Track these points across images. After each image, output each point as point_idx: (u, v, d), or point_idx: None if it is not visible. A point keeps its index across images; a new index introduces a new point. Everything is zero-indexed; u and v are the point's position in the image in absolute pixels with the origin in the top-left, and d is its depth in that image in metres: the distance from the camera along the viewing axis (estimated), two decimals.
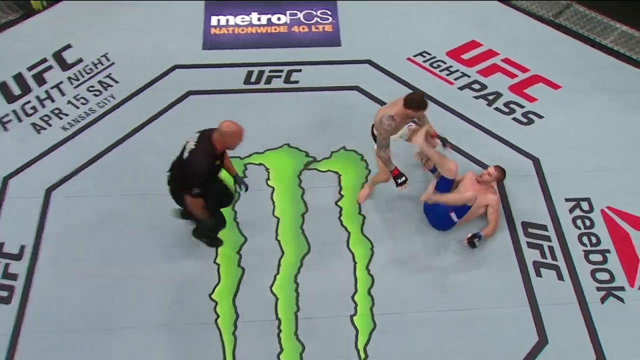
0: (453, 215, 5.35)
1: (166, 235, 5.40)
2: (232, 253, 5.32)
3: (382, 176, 5.47)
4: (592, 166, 5.97)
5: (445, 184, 5.42)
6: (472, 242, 5.28)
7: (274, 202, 5.66)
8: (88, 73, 6.73)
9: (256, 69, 6.78)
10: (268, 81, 6.68)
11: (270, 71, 6.78)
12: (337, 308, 5.03)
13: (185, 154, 4.52)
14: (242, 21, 7.38)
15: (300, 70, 6.81)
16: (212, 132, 4.53)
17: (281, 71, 6.78)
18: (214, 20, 7.38)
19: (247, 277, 5.20)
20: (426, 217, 5.50)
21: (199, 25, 7.27)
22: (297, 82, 6.70)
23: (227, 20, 7.38)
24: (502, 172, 5.58)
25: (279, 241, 5.40)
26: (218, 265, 5.26)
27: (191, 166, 4.48)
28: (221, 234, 5.32)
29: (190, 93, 6.54)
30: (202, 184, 4.51)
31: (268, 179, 5.83)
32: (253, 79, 6.69)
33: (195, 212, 4.71)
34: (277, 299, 5.07)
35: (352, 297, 5.08)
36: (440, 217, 5.39)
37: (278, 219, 5.54)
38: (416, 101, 4.94)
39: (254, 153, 6.01)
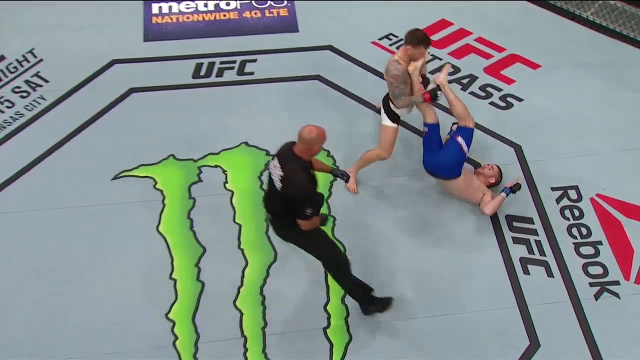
0: (460, 141, 5.34)
1: (114, 251, 5.30)
2: (190, 266, 5.26)
3: (375, 152, 5.51)
4: (578, 150, 5.99)
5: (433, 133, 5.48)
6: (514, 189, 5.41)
7: (234, 207, 5.61)
8: (12, 72, 6.57)
9: (206, 61, 6.75)
10: (219, 74, 6.65)
11: (221, 63, 6.75)
12: (308, 320, 4.98)
13: (278, 184, 4.37)
14: (187, 8, 7.34)
15: (255, 61, 6.80)
16: (292, 146, 4.40)
17: (234, 62, 6.75)
18: (155, 8, 7.32)
19: (207, 292, 5.13)
20: (429, 165, 5.47)
21: (138, 15, 7.20)
22: (252, 73, 6.68)
23: (170, 8, 7.33)
24: (500, 174, 5.65)
25: (241, 250, 5.35)
26: (174, 280, 5.19)
27: (294, 190, 4.32)
28: (177, 253, 5.28)
29: (132, 90, 6.47)
30: (312, 201, 4.40)
31: (226, 182, 5.79)
32: (203, 72, 6.65)
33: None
34: (241, 314, 5.01)
35: (325, 307, 5.03)
36: (449, 152, 5.36)
37: (239, 225, 5.50)
38: (416, 36, 5.04)
39: (208, 154, 5.97)
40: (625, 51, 6.95)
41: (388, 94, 5.31)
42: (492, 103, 6.41)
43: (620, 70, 6.73)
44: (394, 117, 5.35)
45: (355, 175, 5.71)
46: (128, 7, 7.18)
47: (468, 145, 5.42)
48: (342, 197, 5.69)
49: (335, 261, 4.76)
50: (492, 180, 5.63)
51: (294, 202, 4.32)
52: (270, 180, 4.44)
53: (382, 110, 5.39)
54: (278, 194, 4.38)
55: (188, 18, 7.25)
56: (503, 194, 5.44)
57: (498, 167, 5.69)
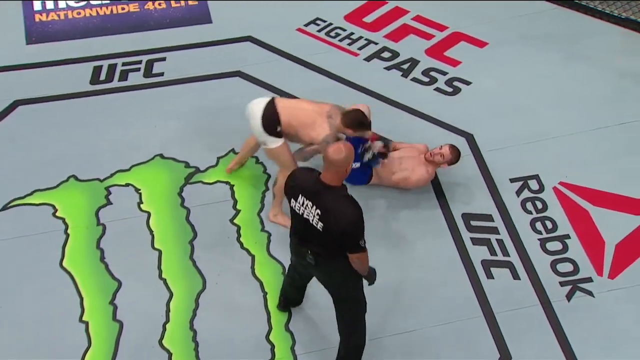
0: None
1: (8, 295, 5.19)
2: (103, 304, 5.17)
3: (283, 176, 5.36)
4: (535, 135, 6.15)
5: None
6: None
7: (151, 231, 5.56)
8: None
9: (105, 63, 6.70)
10: (123, 77, 6.60)
11: (124, 64, 6.71)
12: (249, 353, 4.95)
13: (317, 225, 4.20)
14: (76, 2, 7.28)
15: (164, 59, 6.77)
16: (321, 175, 4.23)
17: (139, 62, 6.72)
18: (37, 4, 7.24)
19: (127, 333, 5.03)
20: None
21: (17, 13, 7.10)
22: (161, 74, 6.66)
23: (56, 3, 7.22)
24: (457, 155, 5.68)
25: (164, 280, 5.30)
26: (86, 323, 5.08)
27: (341, 225, 4.15)
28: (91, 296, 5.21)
29: (18, 103, 6.39)
30: (363, 231, 4.24)
31: (140, 202, 5.74)
32: (103, 77, 6.60)
33: (365, 268, 4.39)
34: (170, 354, 4.94)
35: (267, 337, 5.02)
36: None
37: (159, 251, 5.46)
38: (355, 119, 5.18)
39: (116, 172, 5.92)
40: (576, 20, 7.19)
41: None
42: (437, 89, 6.52)
43: (572, 42, 6.97)
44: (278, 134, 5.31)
45: (280, 209, 5.59)
46: (3, 5, 7.01)
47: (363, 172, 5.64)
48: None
49: (363, 309, 4.67)
50: (446, 166, 5.67)
51: (343, 237, 4.19)
52: (303, 220, 4.27)
53: (263, 134, 5.29)
54: (318, 234, 4.23)
55: (79, 14, 7.16)
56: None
57: (450, 147, 5.64)
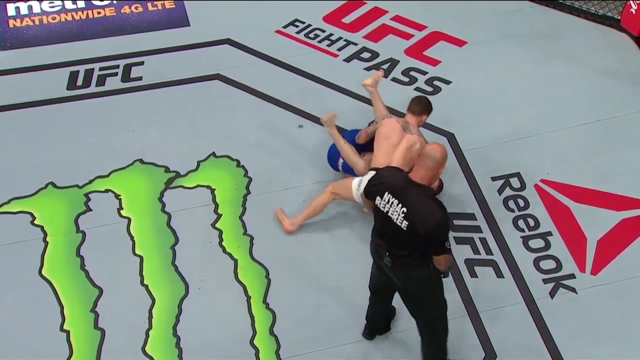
0: (340, 163, 5.68)
1: None
2: (84, 312, 5.15)
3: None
4: (516, 133, 6.19)
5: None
6: None
7: (132, 237, 5.54)
8: None
9: (82, 68, 6.67)
10: (101, 82, 6.58)
11: (101, 69, 6.68)
12: (233, 358, 4.94)
13: (402, 223, 4.16)
14: (52, 6, 7.23)
15: (141, 63, 6.76)
16: (410, 174, 4.24)
17: (116, 67, 6.69)
18: (10, 9, 7.19)
19: (109, 341, 5.01)
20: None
21: None
22: (139, 78, 6.64)
23: (30, 8, 7.19)
24: (440, 187, 5.72)
25: (146, 286, 5.28)
26: (67, 332, 5.05)
27: (429, 225, 4.11)
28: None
29: None
30: (448, 233, 4.24)
31: (120, 208, 5.71)
32: (80, 82, 6.58)
33: (447, 267, 4.34)
34: None
35: (251, 342, 5.01)
36: (332, 154, 5.76)
37: (141, 257, 5.44)
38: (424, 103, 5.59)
39: (96, 178, 5.89)
40: (554, 18, 7.23)
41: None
42: (417, 89, 6.53)
43: (551, 40, 7.01)
44: None
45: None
46: None
47: (343, 168, 5.71)
48: (257, 213, 5.68)
49: (444, 320, 4.62)
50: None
51: (428, 238, 4.16)
52: (386, 219, 4.24)
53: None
54: (402, 233, 4.19)
55: (54, 18, 7.12)
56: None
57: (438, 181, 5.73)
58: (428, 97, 6.39)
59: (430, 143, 4.26)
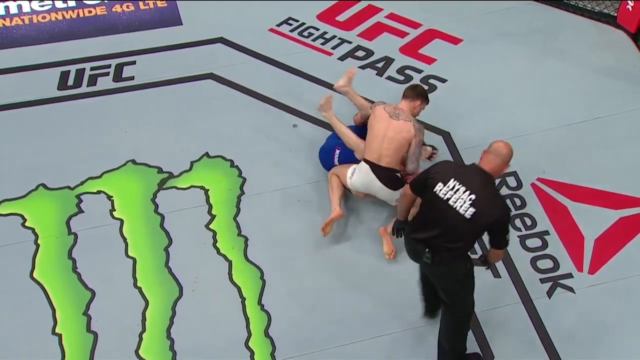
0: (337, 155, 5.67)
1: None
2: (77, 315, 5.15)
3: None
4: (512, 131, 6.19)
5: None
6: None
7: (125, 239, 5.54)
8: None
9: (73, 68, 6.66)
10: (92, 82, 6.58)
11: (92, 68, 6.68)
12: None
13: (468, 211, 4.17)
14: (42, 5, 7.23)
15: (133, 63, 6.76)
16: (479, 163, 4.30)
17: (108, 67, 6.70)
18: (0, 8, 7.16)
19: (102, 345, 5.02)
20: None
21: None
22: (131, 78, 6.64)
23: (20, 7, 7.18)
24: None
25: (139, 288, 5.28)
26: (59, 336, 5.05)
27: (497, 214, 4.20)
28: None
29: None
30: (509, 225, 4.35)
31: (113, 209, 5.71)
32: (71, 82, 6.57)
33: (498, 260, 4.56)
34: None
35: (246, 344, 5.02)
36: (324, 152, 5.78)
37: (134, 259, 5.44)
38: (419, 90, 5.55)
39: (87, 179, 5.89)
40: (550, 15, 7.24)
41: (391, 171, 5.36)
42: None
43: (547, 38, 7.02)
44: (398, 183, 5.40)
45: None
46: None
47: (340, 160, 5.68)
48: (252, 214, 5.68)
49: (471, 314, 4.69)
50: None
51: (494, 227, 4.22)
52: (445, 207, 4.22)
53: (395, 193, 5.34)
54: (461, 222, 4.20)
55: (45, 18, 7.12)
56: None
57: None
58: None
59: (497, 141, 4.35)
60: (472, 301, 4.63)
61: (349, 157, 5.62)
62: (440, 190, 4.24)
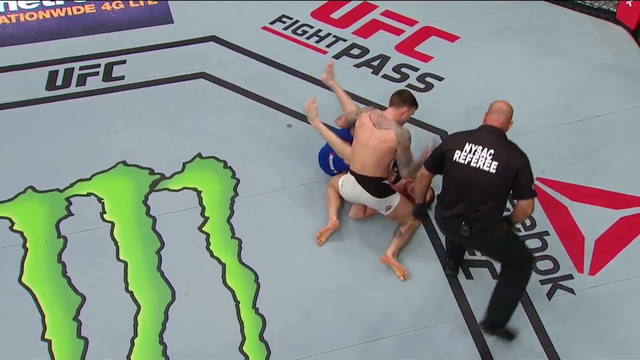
0: (331, 159, 5.72)
1: None
2: (67, 321, 5.14)
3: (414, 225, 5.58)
4: (510, 130, 6.15)
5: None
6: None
7: (116, 242, 5.54)
8: None
9: (61, 68, 6.65)
10: (81, 82, 6.58)
11: (81, 68, 6.68)
12: None
13: (490, 163, 4.47)
14: (29, 4, 7.23)
15: (124, 62, 6.76)
16: (488, 121, 4.61)
17: (97, 66, 6.70)
18: None
19: (92, 350, 5.01)
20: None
21: None
22: (121, 77, 6.65)
23: (7, 5, 7.19)
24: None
25: (131, 292, 5.28)
26: (48, 342, 5.03)
27: (519, 161, 4.48)
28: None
29: None
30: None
31: (103, 212, 5.71)
32: (59, 82, 6.57)
33: (527, 217, 4.71)
34: None
35: (241, 348, 5.02)
36: (323, 153, 5.82)
37: (125, 262, 5.43)
38: (407, 96, 5.43)
39: (77, 181, 5.88)
40: (548, 11, 7.26)
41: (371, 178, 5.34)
42: (409, 85, 6.53)
43: (545, 34, 7.04)
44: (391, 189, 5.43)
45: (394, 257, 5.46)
46: None
47: (335, 166, 5.76)
48: (246, 215, 5.68)
49: (533, 260, 4.86)
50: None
51: (519, 175, 4.44)
52: (469, 170, 4.49)
53: (382, 201, 5.38)
54: (489, 178, 4.45)
55: (32, 16, 7.11)
56: None
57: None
58: (420, 94, 6.47)
59: (496, 102, 4.70)
60: (528, 252, 4.85)
61: (343, 162, 5.63)
62: (459, 156, 4.53)
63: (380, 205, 5.39)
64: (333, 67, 5.93)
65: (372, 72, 6.66)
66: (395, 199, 5.38)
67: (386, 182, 5.39)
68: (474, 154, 4.50)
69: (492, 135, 4.54)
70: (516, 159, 4.48)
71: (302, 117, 6.18)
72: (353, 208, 5.62)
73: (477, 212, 4.53)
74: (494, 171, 4.44)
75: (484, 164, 4.46)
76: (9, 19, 7.06)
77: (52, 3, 7.21)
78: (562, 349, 4.99)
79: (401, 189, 5.60)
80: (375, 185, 5.33)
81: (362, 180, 5.33)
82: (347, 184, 5.41)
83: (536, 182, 5.79)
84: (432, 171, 4.76)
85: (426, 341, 5.02)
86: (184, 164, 5.97)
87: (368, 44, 6.92)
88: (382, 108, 5.67)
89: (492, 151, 4.46)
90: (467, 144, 4.52)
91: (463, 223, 4.58)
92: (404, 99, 5.36)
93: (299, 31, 7.01)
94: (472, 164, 4.48)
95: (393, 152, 5.26)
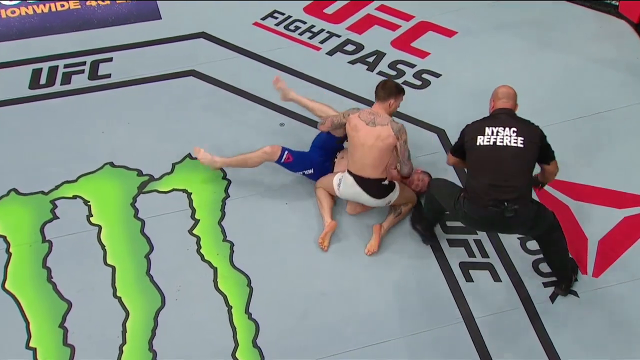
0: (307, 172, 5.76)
1: None
2: (53, 328, 5.12)
3: (408, 208, 5.65)
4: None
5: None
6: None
7: (103, 246, 5.53)
8: None
9: (45, 66, 6.67)
10: (66, 80, 6.60)
11: (66, 66, 6.70)
12: None
13: (516, 139, 4.77)
14: (11, 0, 7.23)
15: (110, 60, 6.78)
16: (503, 106, 4.97)
17: (83, 64, 6.71)
18: None
19: (79, 358, 4.99)
20: None
21: None
22: (108, 76, 6.67)
23: None
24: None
25: (119, 298, 5.27)
26: (33, 350, 5.02)
27: (536, 128, 4.88)
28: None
29: None
30: None
31: (90, 215, 5.70)
32: (43, 81, 6.59)
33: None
34: None
35: (233, 355, 5.01)
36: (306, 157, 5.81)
37: (113, 267, 5.43)
38: (393, 86, 5.49)
39: (63, 183, 5.88)
40: (549, 5, 7.29)
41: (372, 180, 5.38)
42: (405, 82, 6.52)
43: (545, 28, 7.07)
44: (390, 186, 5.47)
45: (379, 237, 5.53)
46: None
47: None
48: (237, 218, 5.68)
49: (559, 228, 5.10)
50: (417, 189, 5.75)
51: (543, 143, 4.85)
52: (496, 150, 4.77)
53: (383, 200, 5.44)
54: (519, 153, 4.76)
55: (14, 12, 7.13)
56: None
57: (425, 173, 5.77)
58: (417, 91, 6.48)
59: (501, 87, 5.05)
60: (553, 217, 5.06)
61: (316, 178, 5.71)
62: (483, 140, 4.82)
63: (380, 203, 5.44)
64: (280, 81, 5.97)
65: (367, 69, 6.67)
66: (395, 194, 5.44)
67: (386, 182, 5.39)
68: (497, 134, 4.80)
69: (508, 117, 4.89)
70: (536, 130, 4.87)
71: (295, 116, 6.19)
72: (350, 203, 5.63)
73: (514, 190, 4.75)
74: (522, 145, 4.76)
75: (510, 141, 4.77)
76: None
77: None
78: (565, 354, 4.97)
79: (397, 177, 5.62)
80: (375, 187, 5.37)
81: (361, 182, 5.35)
82: (345, 185, 5.42)
83: None
84: (457, 156, 5.15)
85: (426, 345, 5.01)
86: (174, 165, 5.97)
87: (363, 39, 6.93)
88: (371, 103, 5.69)
89: (514, 129, 4.79)
90: (487, 128, 4.84)
91: (505, 204, 4.71)
92: (389, 91, 5.40)
93: (292, 27, 7.03)
94: (499, 143, 4.79)
95: (392, 149, 5.29)
